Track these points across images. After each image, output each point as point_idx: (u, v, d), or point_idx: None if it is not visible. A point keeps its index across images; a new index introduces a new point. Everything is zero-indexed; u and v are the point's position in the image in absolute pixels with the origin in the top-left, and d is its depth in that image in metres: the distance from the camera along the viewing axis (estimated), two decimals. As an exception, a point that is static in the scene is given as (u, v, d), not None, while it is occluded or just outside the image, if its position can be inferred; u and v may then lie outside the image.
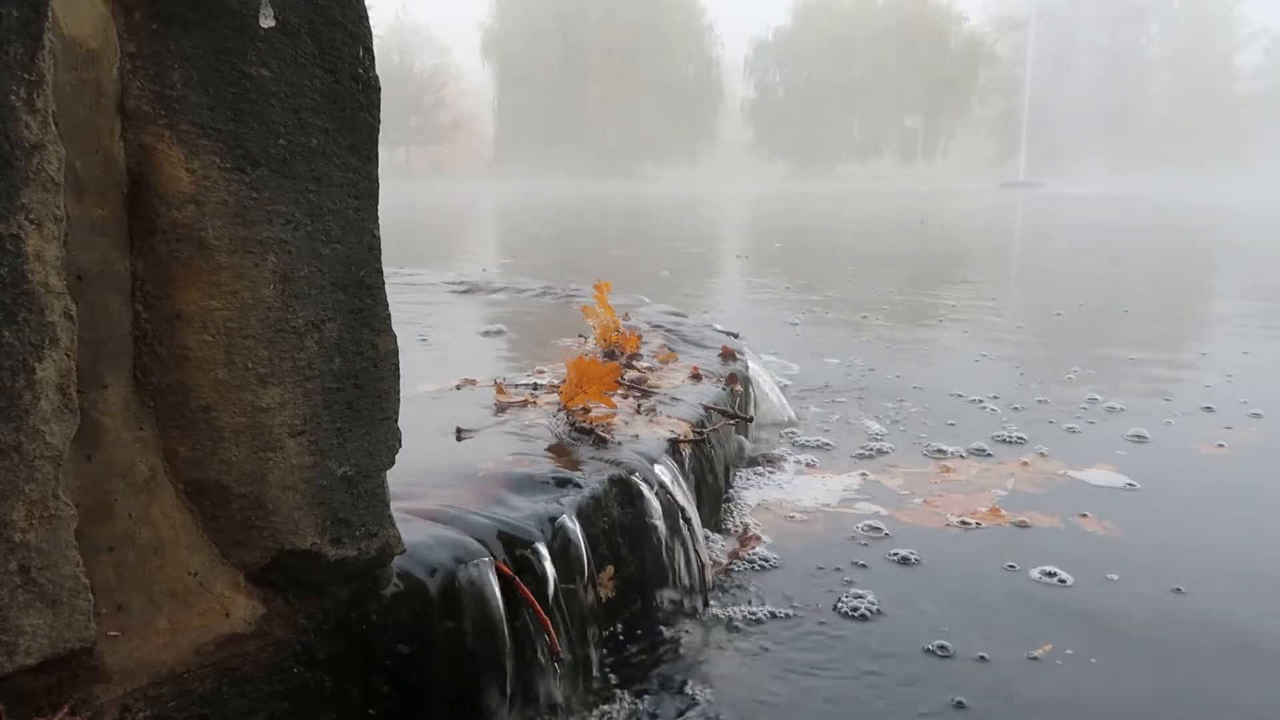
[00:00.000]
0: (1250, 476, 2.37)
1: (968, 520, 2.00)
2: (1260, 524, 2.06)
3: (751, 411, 2.55)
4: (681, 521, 1.63)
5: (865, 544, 1.86)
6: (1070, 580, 1.70)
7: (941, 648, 1.46)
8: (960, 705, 1.31)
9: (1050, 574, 1.72)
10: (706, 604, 1.59)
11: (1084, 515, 2.04)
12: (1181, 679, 1.40)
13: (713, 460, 1.98)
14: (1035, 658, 1.43)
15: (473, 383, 2.12)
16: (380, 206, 1.07)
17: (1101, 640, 1.49)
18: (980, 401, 3.04)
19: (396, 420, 1.09)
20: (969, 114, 61.08)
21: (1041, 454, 2.48)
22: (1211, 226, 15.43)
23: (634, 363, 2.37)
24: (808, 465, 2.37)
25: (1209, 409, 3.00)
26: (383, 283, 1.07)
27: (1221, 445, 2.62)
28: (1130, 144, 53.36)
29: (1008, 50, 58.77)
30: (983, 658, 1.43)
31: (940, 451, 2.49)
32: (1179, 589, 1.67)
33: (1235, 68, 57.30)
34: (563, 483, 1.47)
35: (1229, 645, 1.50)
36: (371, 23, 1.03)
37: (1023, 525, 1.98)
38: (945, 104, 60.60)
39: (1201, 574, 1.75)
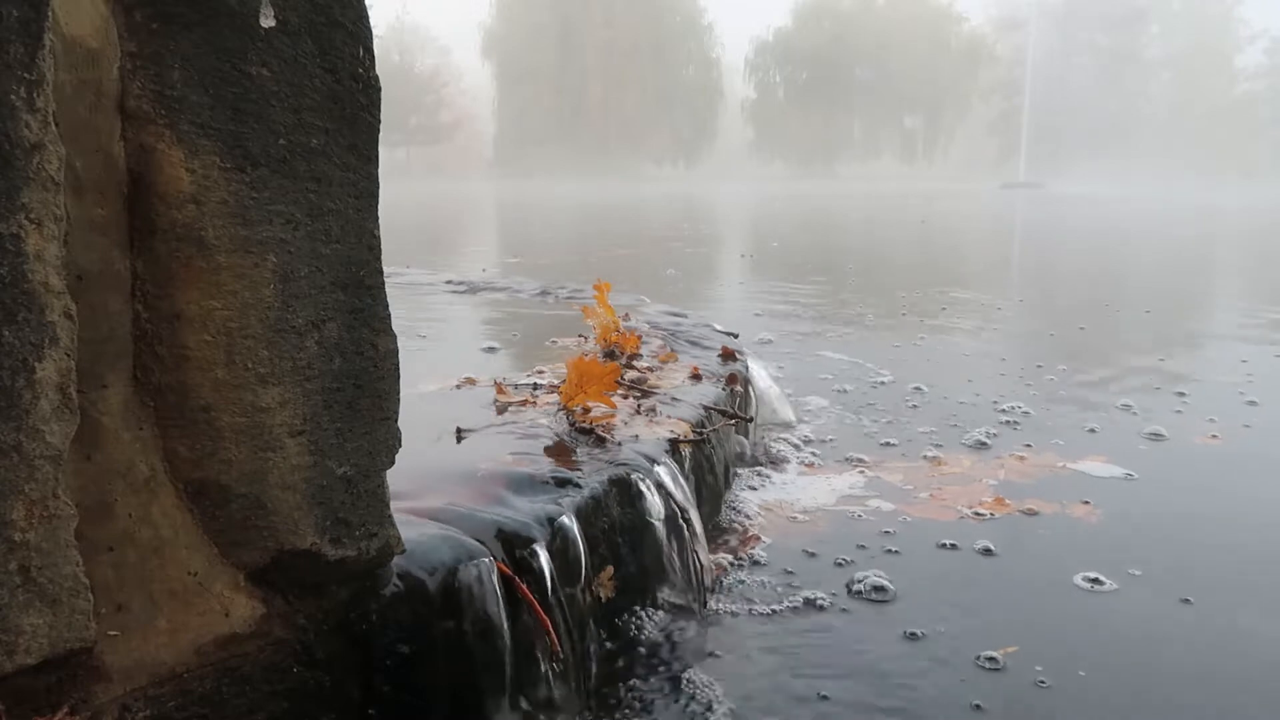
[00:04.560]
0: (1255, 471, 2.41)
1: (981, 512, 2.00)
2: (1261, 510, 2.08)
3: (751, 411, 2.55)
4: (681, 521, 1.63)
5: (865, 540, 1.86)
6: (1112, 584, 1.70)
7: (949, 645, 1.46)
8: (978, 708, 1.31)
9: (1095, 580, 1.71)
10: (706, 603, 1.59)
11: (1085, 502, 2.04)
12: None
13: (713, 460, 1.98)
14: (1050, 668, 1.43)
15: (473, 383, 2.12)
16: (380, 206, 1.07)
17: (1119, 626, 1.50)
18: (986, 400, 3.03)
19: (396, 420, 1.09)
20: (969, 114, 61.07)
21: (1057, 450, 2.48)
22: (1221, 227, 15.37)
23: (634, 363, 2.37)
24: (808, 464, 2.37)
25: (1220, 409, 3.00)
26: (383, 282, 1.07)
27: (1215, 436, 2.64)
28: (1130, 145, 53.35)
29: (1008, 50, 58.72)
30: (992, 657, 1.43)
31: (941, 448, 2.49)
32: (1188, 599, 1.67)
33: (1235, 68, 57.33)
34: (562, 483, 1.47)
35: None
36: (371, 23, 1.03)
37: (1030, 513, 2.01)
38: (945, 104, 60.60)
39: (1213, 569, 1.76)
